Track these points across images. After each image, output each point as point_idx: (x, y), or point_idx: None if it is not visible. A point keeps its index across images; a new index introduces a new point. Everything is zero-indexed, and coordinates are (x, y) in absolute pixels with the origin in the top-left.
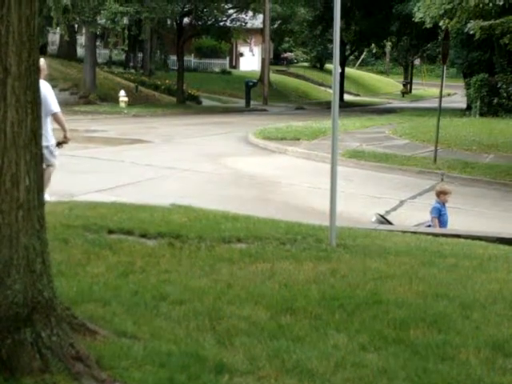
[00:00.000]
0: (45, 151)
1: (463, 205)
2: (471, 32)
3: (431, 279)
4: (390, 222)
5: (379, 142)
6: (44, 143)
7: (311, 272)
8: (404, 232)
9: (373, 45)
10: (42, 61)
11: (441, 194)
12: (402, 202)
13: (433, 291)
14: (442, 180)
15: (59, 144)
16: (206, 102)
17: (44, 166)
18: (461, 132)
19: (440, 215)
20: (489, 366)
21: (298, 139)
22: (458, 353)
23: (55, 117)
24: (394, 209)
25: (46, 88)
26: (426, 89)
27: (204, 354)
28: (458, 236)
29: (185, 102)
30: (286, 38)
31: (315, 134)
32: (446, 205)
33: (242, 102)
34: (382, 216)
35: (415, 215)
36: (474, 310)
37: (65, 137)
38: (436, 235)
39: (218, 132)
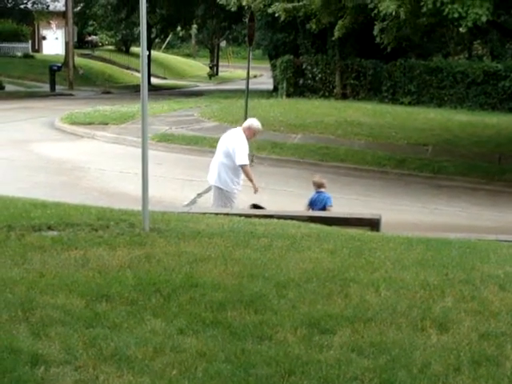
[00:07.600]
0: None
1: (274, 185)
2: (276, 14)
3: (246, 260)
4: (263, 208)
5: (188, 124)
6: (229, 189)
7: (125, 258)
8: (217, 214)
9: (179, 27)
10: (258, 127)
11: (320, 186)
12: None
13: (248, 272)
14: (253, 161)
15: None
16: (8, 88)
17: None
18: (269, 113)
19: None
20: (306, 343)
21: (107, 124)
22: (276, 332)
23: (241, 169)
24: (206, 191)
25: (238, 140)
26: (233, 71)
27: (18, 345)
28: (271, 216)
29: None
30: (91, 22)
31: (123, 118)
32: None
33: (46, 87)
34: (255, 205)
35: None
36: (289, 289)
37: (254, 187)
38: (249, 216)
39: (22, 118)
